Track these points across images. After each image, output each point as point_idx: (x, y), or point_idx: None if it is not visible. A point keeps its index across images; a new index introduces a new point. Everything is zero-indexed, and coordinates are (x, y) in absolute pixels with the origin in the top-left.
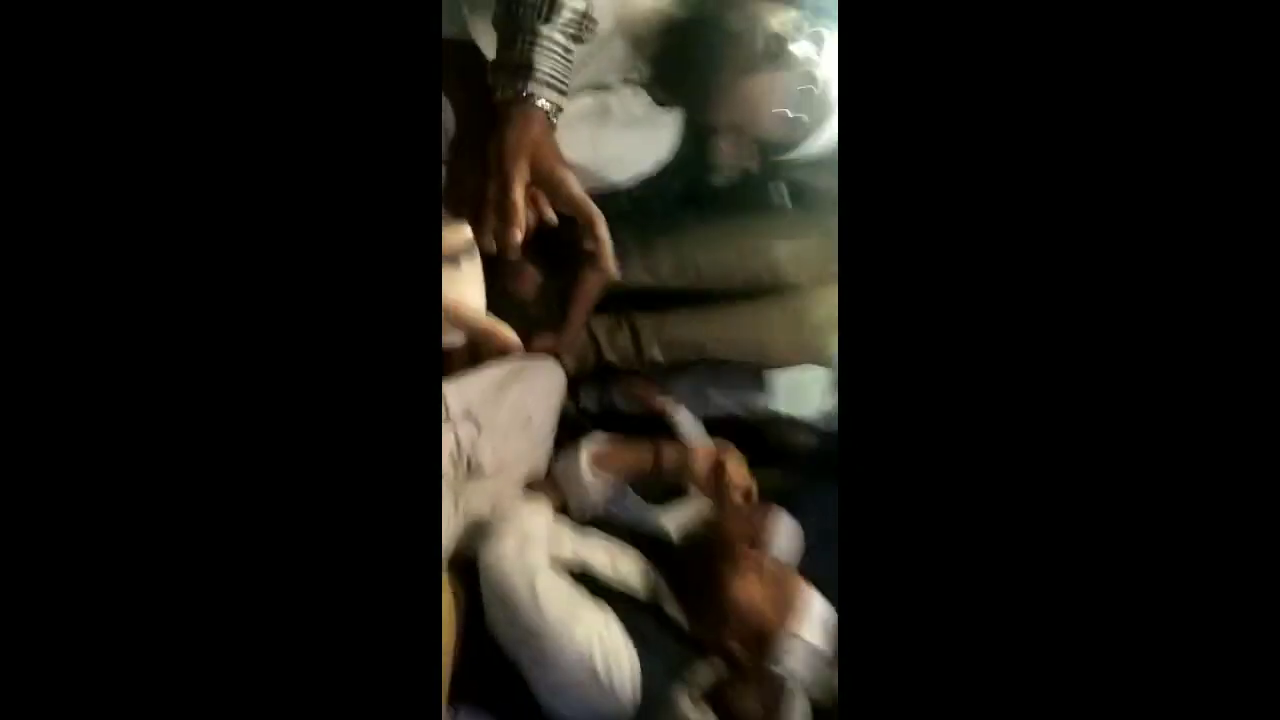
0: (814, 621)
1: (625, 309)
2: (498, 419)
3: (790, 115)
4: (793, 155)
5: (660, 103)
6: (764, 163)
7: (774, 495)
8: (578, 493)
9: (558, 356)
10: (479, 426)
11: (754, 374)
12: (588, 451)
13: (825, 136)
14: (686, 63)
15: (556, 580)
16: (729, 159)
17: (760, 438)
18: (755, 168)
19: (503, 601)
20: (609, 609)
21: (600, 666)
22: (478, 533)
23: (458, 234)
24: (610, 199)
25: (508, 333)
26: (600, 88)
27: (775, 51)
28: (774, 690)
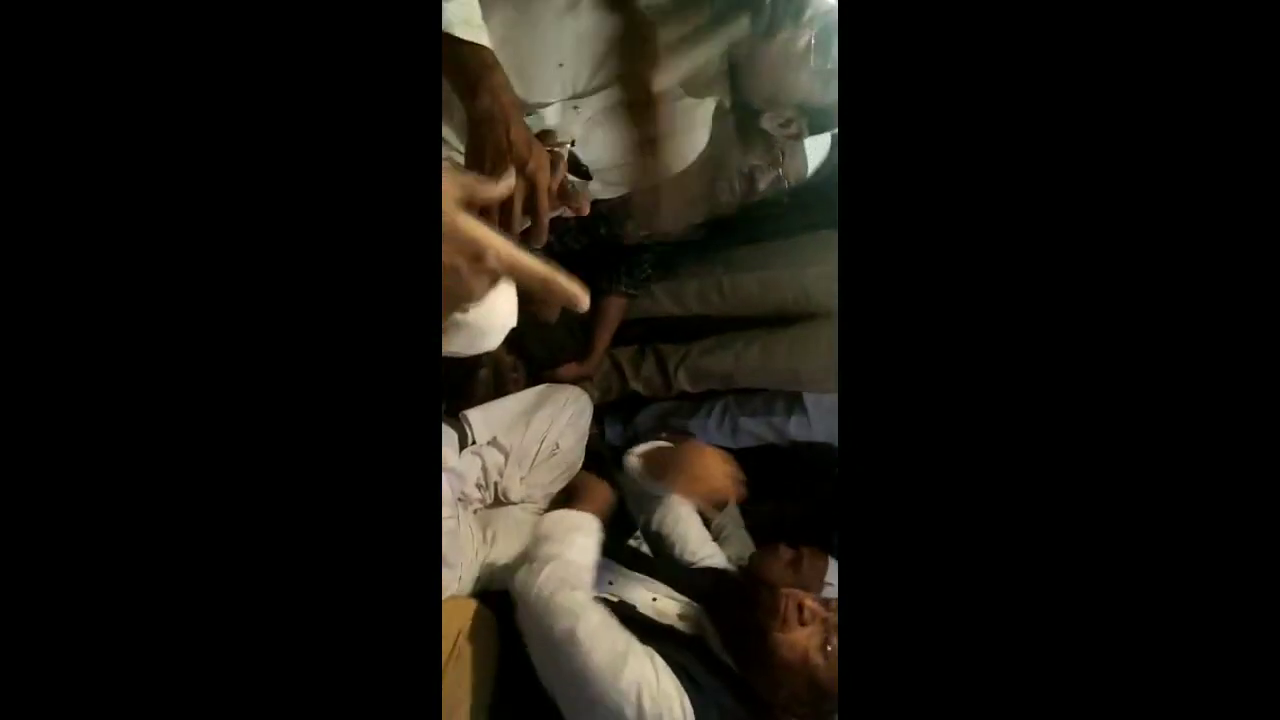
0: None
1: (651, 338)
2: (525, 446)
3: (822, 68)
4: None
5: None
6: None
7: (806, 525)
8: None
9: (583, 384)
10: (506, 453)
11: (787, 400)
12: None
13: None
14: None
15: (601, 618)
16: (775, 132)
17: (794, 464)
18: (803, 136)
19: (542, 639)
20: (654, 650)
21: (649, 711)
22: (513, 564)
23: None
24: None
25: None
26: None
27: (785, 7)
28: None
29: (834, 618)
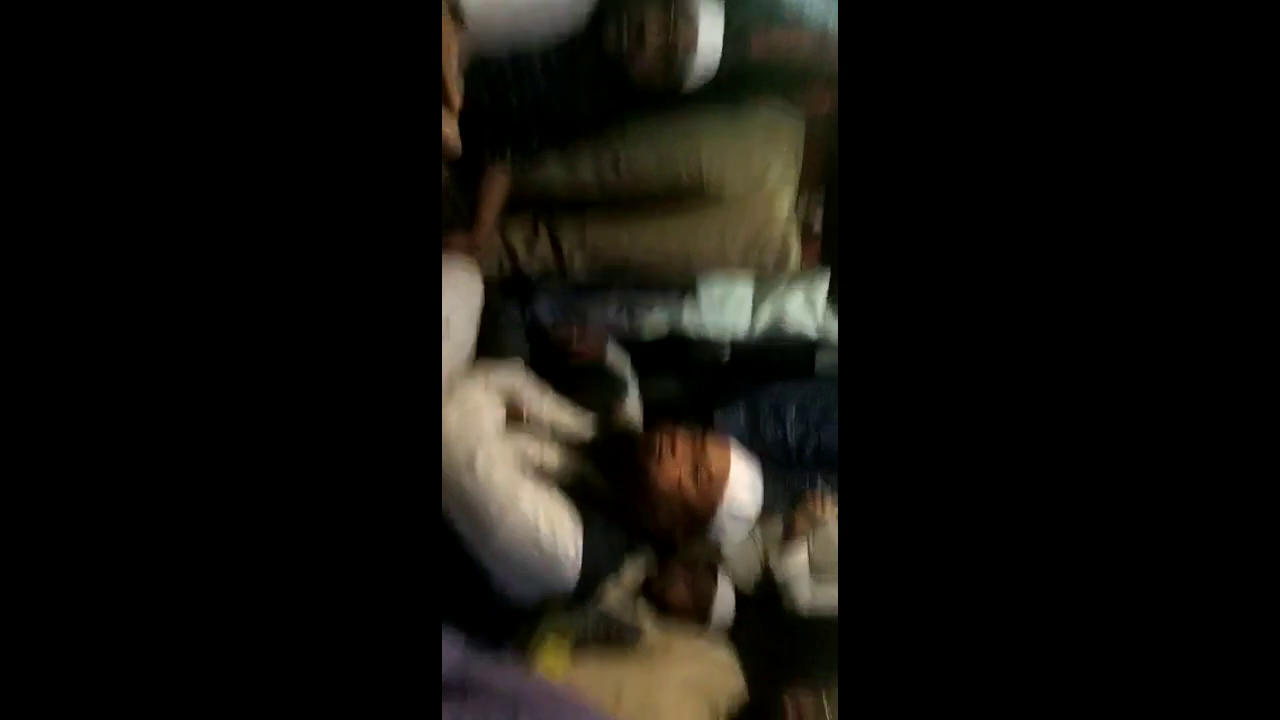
0: (739, 492)
1: (544, 213)
2: None
3: None
4: None
5: None
6: None
7: (688, 410)
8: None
9: (472, 258)
10: None
11: (680, 289)
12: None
13: None
14: None
15: (501, 450)
16: None
17: (684, 352)
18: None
19: (447, 467)
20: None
21: (545, 535)
22: None
23: None
24: (526, 76)
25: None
26: None
27: None
28: (702, 577)
29: (699, 448)
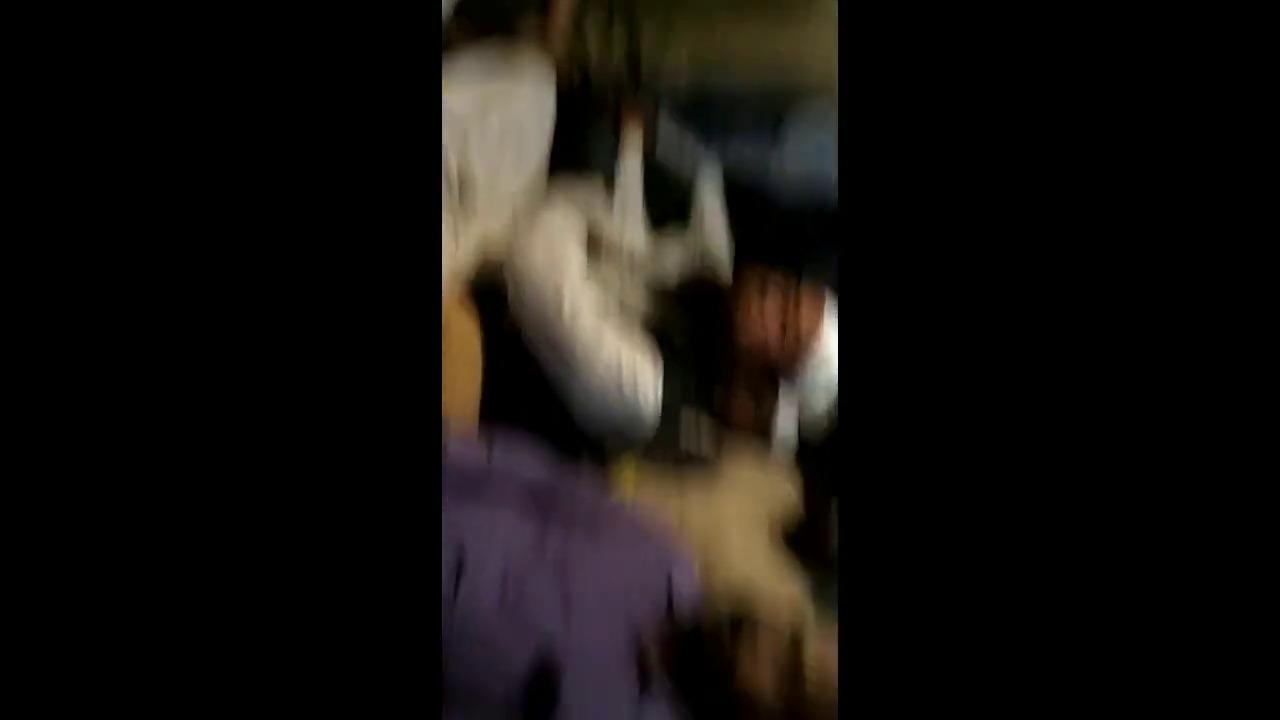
0: (827, 352)
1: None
2: (487, 130)
3: None
4: None
5: None
6: None
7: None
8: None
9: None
10: (467, 137)
11: (771, 125)
12: None
13: None
14: None
15: (586, 293)
16: None
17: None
18: None
19: (536, 303)
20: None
21: (626, 382)
22: (501, 248)
23: None
24: None
25: None
26: None
27: None
28: (768, 400)
29: (792, 303)
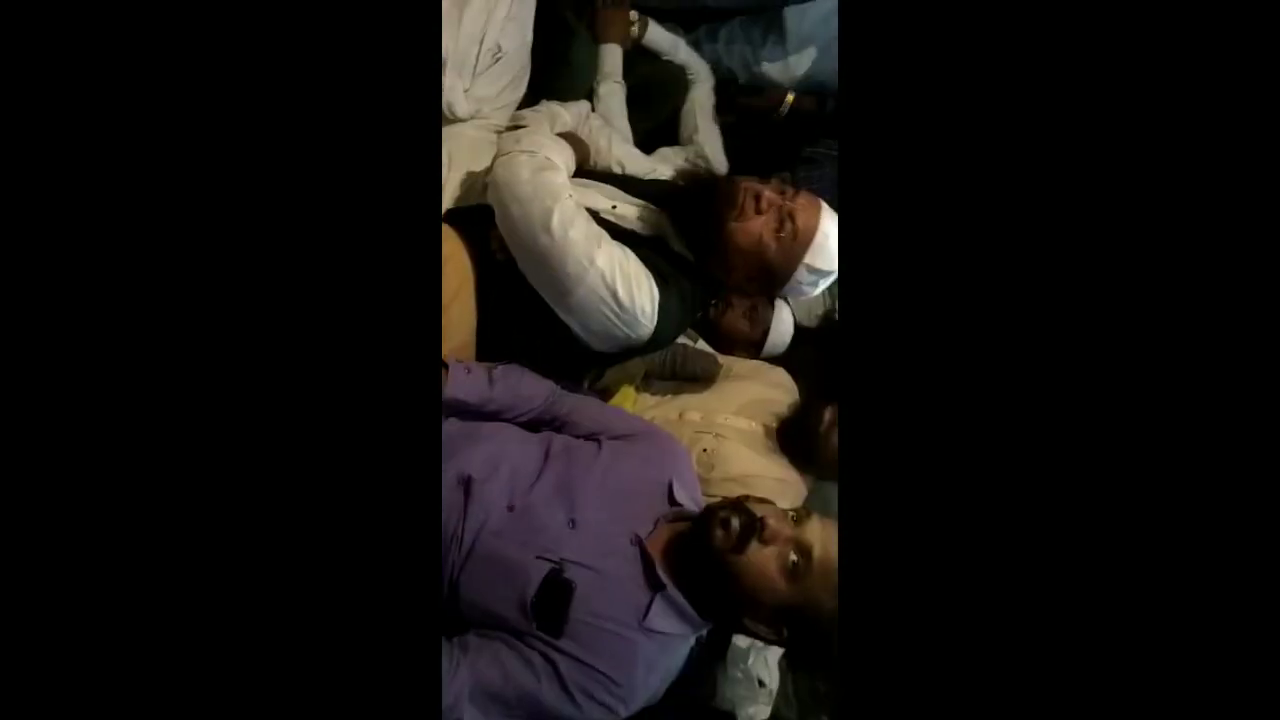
0: (824, 252)
1: None
2: (460, 50)
3: None
4: None
5: None
6: None
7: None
8: None
9: None
10: (445, 60)
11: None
12: None
13: None
14: None
15: (575, 204)
16: None
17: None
18: None
19: (525, 223)
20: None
21: (621, 294)
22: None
23: None
24: None
25: None
26: None
27: None
28: (762, 307)
29: (789, 204)
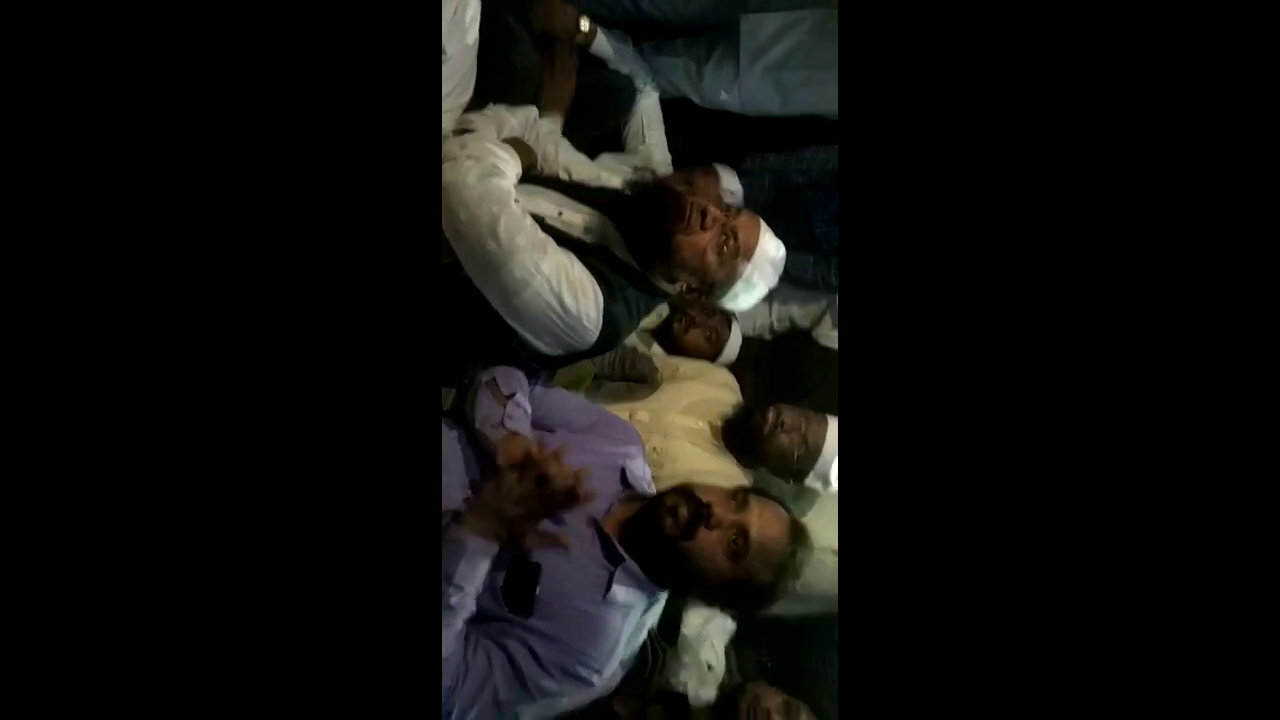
0: (762, 267)
1: None
2: None
3: None
4: None
5: None
6: None
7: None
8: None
9: None
10: None
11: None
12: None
13: None
14: None
15: (522, 210)
16: None
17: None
18: None
19: (471, 227)
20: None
21: (567, 300)
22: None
23: None
24: None
25: None
26: None
27: None
28: (718, 323)
29: (732, 221)
